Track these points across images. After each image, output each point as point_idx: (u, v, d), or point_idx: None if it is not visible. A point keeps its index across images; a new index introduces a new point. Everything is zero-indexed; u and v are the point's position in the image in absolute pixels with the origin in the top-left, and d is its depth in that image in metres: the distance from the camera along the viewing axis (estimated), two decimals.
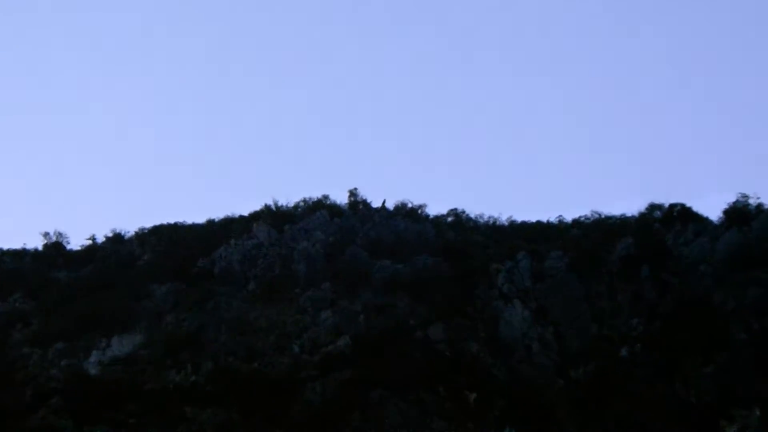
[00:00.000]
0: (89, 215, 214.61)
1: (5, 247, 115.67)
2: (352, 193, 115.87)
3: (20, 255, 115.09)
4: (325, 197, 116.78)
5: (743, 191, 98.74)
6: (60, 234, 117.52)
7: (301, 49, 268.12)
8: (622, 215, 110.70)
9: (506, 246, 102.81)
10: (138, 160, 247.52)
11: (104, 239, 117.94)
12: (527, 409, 78.39)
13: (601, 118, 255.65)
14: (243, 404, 77.13)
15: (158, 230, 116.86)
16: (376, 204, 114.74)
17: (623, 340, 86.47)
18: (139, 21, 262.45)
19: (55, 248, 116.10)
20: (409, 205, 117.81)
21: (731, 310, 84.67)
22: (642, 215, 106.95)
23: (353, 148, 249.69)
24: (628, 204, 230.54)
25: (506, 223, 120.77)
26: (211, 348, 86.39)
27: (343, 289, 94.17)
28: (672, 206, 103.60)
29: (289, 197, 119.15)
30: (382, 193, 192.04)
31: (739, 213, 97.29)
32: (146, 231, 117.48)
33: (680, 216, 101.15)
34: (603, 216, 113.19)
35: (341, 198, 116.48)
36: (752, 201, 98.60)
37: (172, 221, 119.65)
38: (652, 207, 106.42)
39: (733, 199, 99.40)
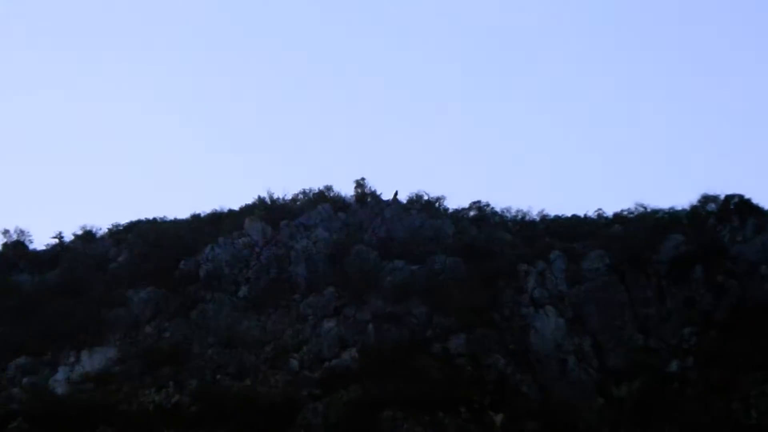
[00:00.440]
0: (55, 210, 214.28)
1: None
2: (359, 184, 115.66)
3: None
4: (328, 188, 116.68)
5: None
6: (22, 232, 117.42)
7: (303, 27, 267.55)
8: (671, 208, 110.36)
9: (537, 244, 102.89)
10: (111, 146, 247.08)
11: (73, 238, 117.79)
12: None
13: (643, 96, 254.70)
14: (233, 428, 77.18)
15: (135, 227, 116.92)
16: (386, 196, 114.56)
17: (673, 353, 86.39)
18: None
19: (16, 248, 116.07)
20: (425, 198, 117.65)
21: None
22: (694, 208, 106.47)
23: (360, 131, 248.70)
24: (678, 195, 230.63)
25: (537, 218, 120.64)
26: (196, 363, 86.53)
27: (349, 294, 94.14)
28: (728, 198, 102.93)
29: (286, 188, 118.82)
30: (394, 183, 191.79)
31: None
32: (121, 228, 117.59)
33: (738, 209, 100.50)
34: (649, 209, 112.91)
35: (346, 189, 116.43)
36: None
37: (150, 217, 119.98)
38: (706, 199, 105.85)
39: None
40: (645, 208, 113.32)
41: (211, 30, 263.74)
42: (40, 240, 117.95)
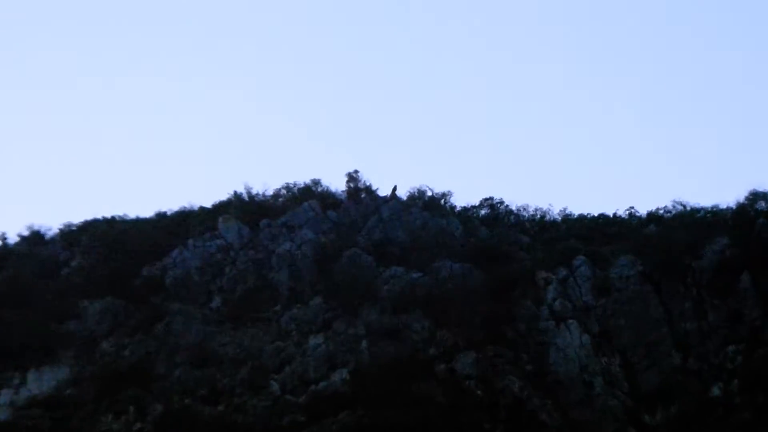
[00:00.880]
0: None
1: None
2: (352, 178, 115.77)
3: None
4: (316, 183, 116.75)
5: None
6: None
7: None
8: (714, 207, 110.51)
9: (559, 248, 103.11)
10: (63, 134, 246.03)
11: (18, 239, 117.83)
12: None
13: (685, 80, 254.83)
14: None
15: (90, 227, 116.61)
16: (384, 192, 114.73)
17: (716, 375, 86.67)
18: None
19: None
20: (429, 194, 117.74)
21: None
22: (741, 207, 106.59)
23: (353, 116, 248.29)
24: (723, 192, 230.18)
25: (559, 218, 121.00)
26: (161, 385, 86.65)
27: (340, 306, 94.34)
28: None
29: (266, 183, 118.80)
30: (392, 177, 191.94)
31: None
32: (74, 228, 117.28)
33: None
34: (688, 208, 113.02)
35: (337, 184, 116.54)
36: None
37: (108, 215, 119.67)
38: (755, 196, 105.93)
39: None
40: (684, 206, 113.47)
41: (179, 8, 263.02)
42: None
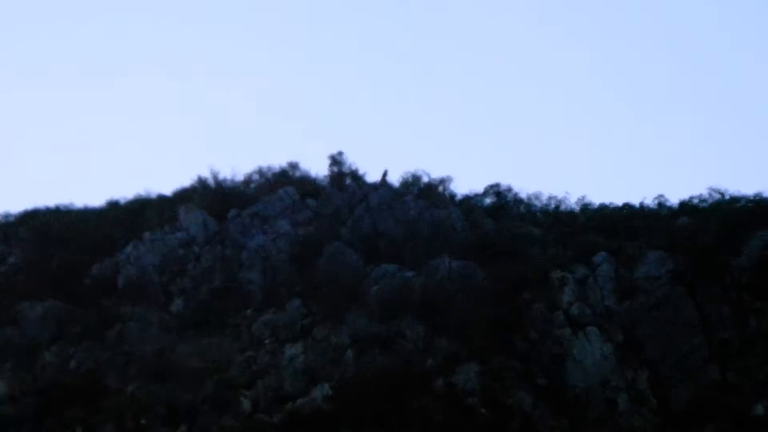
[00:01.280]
0: None
1: None
2: (335, 161, 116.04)
3: None
4: (293, 166, 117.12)
5: None
6: None
7: None
8: (756, 195, 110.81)
9: (576, 243, 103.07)
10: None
11: None
12: None
13: (722, 55, 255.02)
14: None
15: (32, 218, 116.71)
16: (372, 178, 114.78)
17: (758, 391, 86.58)
18: None
19: None
20: (425, 180, 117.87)
21: None
22: None
23: (336, 92, 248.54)
24: (764, 179, 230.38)
25: (576, 208, 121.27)
26: (113, 402, 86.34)
27: (322, 310, 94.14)
28: None
29: (235, 167, 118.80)
30: (382, 161, 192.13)
31: None
32: (12, 219, 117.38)
33: None
34: (726, 197, 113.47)
35: (318, 168, 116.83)
36: None
37: (52, 204, 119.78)
38: None
39: None
40: (722, 194, 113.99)
41: None
42: None
